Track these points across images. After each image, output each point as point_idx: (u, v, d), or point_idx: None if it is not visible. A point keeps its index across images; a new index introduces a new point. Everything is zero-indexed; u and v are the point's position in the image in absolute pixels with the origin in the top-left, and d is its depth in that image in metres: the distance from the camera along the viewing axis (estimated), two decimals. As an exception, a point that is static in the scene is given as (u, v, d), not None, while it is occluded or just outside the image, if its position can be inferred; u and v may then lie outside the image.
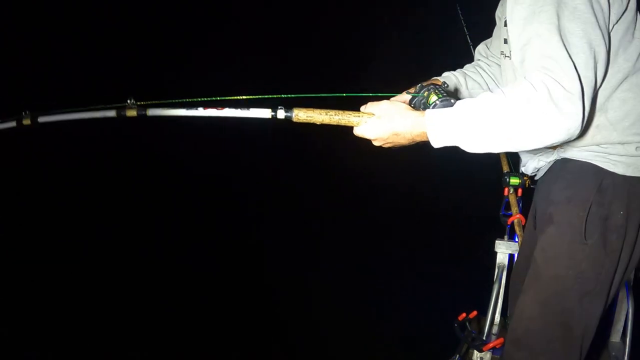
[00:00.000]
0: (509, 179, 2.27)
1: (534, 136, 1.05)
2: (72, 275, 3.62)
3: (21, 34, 5.43)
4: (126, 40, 5.99)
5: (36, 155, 4.64)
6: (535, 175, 1.51)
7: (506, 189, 2.32)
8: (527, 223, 1.63)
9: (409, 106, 1.23)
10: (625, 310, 2.05)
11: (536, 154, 1.42)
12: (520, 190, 2.32)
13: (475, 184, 4.23)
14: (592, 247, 1.23)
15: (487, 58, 1.63)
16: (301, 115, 1.18)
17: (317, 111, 1.19)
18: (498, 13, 1.49)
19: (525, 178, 2.25)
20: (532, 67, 1.06)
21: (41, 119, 1.41)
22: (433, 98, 1.23)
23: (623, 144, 1.23)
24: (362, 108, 1.23)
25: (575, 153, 1.29)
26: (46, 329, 3.01)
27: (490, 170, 2.54)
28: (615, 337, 2.14)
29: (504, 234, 2.29)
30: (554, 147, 1.34)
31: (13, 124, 1.43)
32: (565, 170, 1.32)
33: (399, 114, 1.17)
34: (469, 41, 2.37)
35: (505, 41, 1.30)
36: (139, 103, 1.30)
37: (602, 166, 1.25)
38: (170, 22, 6.36)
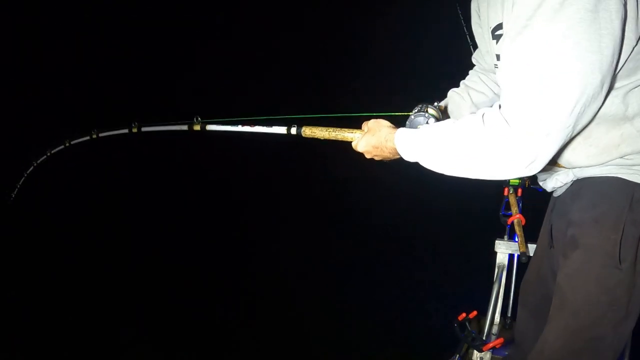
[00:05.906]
0: (509, 179, 2.27)
1: (484, 170, 1.09)
2: (75, 277, 3.63)
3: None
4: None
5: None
6: (554, 191, 1.42)
7: (506, 189, 2.32)
8: (541, 236, 1.54)
9: (389, 123, 1.31)
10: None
11: (552, 173, 1.33)
12: (520, 190, 2.31)
13: (475, 184, 4.22)
14: (626, 271, 1.14)
15: (483, 68, 1.56)
16: (308, 131, 1.47)
17: (320, 129, 1.45)
18: (478, 21, 1.37)
19: (525, 178, 2.24)
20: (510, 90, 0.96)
21: (144, 129, 1.87)
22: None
23: None
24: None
25: (596, 170, 1.17)
26: (47, 328, 3.02)
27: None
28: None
29: (504, 234, 2.29)
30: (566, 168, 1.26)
31: (125, 130, 1.89)
32: (587, 188, 1.21)
33: (378, 129, 1.28)
34: (469, 40, 2.36)
35: (498, 57, 1.14)
36: (202, 120, 1.70)
37: (630, 179, 1.14)
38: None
